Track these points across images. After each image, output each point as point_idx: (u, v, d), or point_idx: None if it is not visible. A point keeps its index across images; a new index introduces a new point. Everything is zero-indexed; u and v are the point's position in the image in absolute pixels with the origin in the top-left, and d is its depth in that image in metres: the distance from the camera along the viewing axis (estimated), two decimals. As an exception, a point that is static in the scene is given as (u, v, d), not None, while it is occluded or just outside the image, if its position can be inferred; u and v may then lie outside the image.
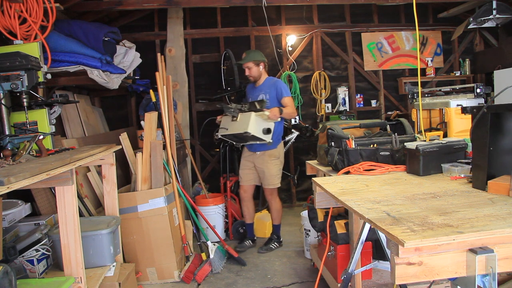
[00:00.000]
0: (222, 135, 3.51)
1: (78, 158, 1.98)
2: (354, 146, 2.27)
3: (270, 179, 3.61)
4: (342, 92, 5.26)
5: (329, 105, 5.27)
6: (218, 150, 4.58)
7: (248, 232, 3.87)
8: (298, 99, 5.13)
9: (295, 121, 4.66)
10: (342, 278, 2.01)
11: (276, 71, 5.17)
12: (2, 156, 1.97)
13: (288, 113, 3.49)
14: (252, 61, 3.60)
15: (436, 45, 5.44)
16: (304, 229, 3.43)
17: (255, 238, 3.90)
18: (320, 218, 2.74)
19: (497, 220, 1.19)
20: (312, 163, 2.87)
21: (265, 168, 3.58)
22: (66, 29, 3.37)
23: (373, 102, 5.39)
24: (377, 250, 2.58)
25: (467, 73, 5.30)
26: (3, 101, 2.28)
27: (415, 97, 3.79)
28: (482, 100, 3.38)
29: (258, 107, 3.35)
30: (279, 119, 3.44)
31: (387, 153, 2.24)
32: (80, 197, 3.00)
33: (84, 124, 3.93)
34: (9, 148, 2.19)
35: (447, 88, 4.15)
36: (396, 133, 2.34)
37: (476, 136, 1.63)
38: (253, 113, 3.30)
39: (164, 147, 3.36)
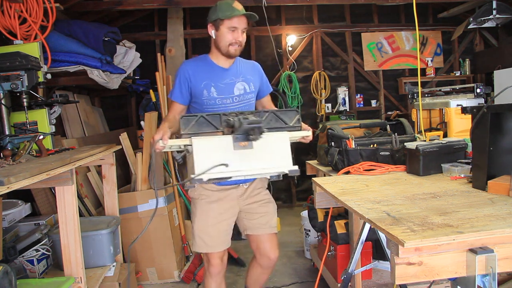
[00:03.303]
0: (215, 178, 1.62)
1: (78, 158, 1.98)
2: (354, 146, 2.27)
3: (274, 217, 2.16)
4: (342, 92, 5.26)
5: (329, 105, 5.27)
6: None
7: None
8: (298, 99, 5.13)
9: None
10: (342, 278, 2.01)
11: (276, 71, 5.17)
12: (2, 156, 1.97)
13: None
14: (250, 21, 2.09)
15: (436, 45, 5.44)
16: (304, 229, 3.43)
17: None
18: (320, 218, 2.74)
19: (497, 220, 1.19)
20: (312, 163, 2.87)
21: (264, 205, 2.11)
22: (66, 29, 3.37)
23: (373, 102, 5.39)
24: (377, 250, 2.58)
25: (467, 73, 5.30)
26: (3, 101, 2.28)
27: (415, 97, 3.79)
28: (482, 100, 3.37)
29: (289, 122, 1.74)
30: None
31: (387, 153, 2.24)
32: (80, 197, 3.00)
33: (84, 124, 3.93)
34: (9, 148, 2.19)
35: (447, 88, 4.14)
36: (396, 133, 2.34)
37: (476, 136, 1.63)
38: (286, 134, 1.72)
39: (164, 147, 3.36)
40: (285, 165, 1.68)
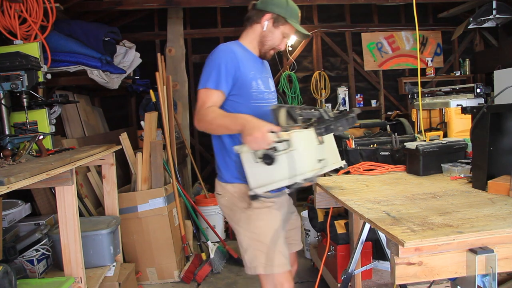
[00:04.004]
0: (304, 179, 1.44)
1: (78, 158, 1.98)
2: (354, 146, 2.27)
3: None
4: (342, 92, 5.26)
5: (329, 105, 5.27)
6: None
7: None
8: (298, 99, 5.13)
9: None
10: (342, 278, 2.01)
11: (276, 71, 5.17)
12: (2, 156, 1.97)
13: None
14: None
15: (436, 45, 5.44)
16: (304, 229, 3.43)
17: None
18: (320, 218, 2.74)
19: (497, 220, 1.19)
20: (312, 163, 2.86)
21: (297, 216, 2.00)
22: (66, 29, 3.37)
23: (373, 102, 5.39)
24: (377, 250, 2.58)
25: (467, 73, 5.30)
26: (3, 101, 2.28)
27: (415, 97, 3.79)
28: (482, 100, 3.37)
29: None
30: None
31: (387, 153, 2.24)
32: (80, 197, 3.00)
33: (84, 124, 3.93)
34: (9, 148, 2.19)
35: (447, 88, 4.14)
36: (396, 133, 2.34)
37: (476, 136, 1.63)
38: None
39: (164, 147, 3.36)
40: (339, 159, 1.72)
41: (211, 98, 1.59)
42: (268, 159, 1.39)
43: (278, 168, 1.41)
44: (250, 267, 1.66)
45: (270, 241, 1.63)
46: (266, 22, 1.70)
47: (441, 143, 2.08)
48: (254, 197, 1.51)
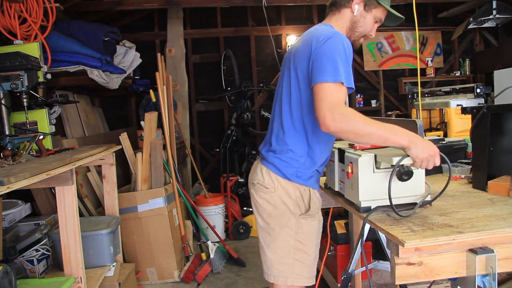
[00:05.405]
0: None
1: (78, 158, 1.98)
2: (354, 146, 2.26)
3: None
4: (342, 92, 5.26)
5: (329, 105, 5.27)
6: (218, 150, 4.60)
7: None
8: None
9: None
10: (342, 278, 2.01)
11: (276, 71, 5.17)
12: (2, 156, 1.97)
13: None
14: None
15: (436, 45, 5.44)
16: (304, 229, 3.43)
17: None
18: (320, 218, 2.74)
19: (497, 220, 1.19)
20: (312, 163, 2.86)
21: None
22: (66, 29, 3.37)
23: (373, 102, 5.39)
24: (377, 250, 2.58)
25: (467, 73, 5.30)
26: (3, 101, 2.28)
27: (415, 97, 3.79)
28: (482, 100, 3.38)
29: None
30: None
31: (387, 153, 2.24)
32: (80, 197, 3.00)
33: (84, 124, 3.93)
34: (9, 148, 2.19)
35: (447, 88, 4.14)
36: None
37: (476, 136, 1.63)
38: None
39: (164, 147, 3.36)
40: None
41: (344, 96, 1.32)
42: (409, 175, 1.27)
43: (398, 186, 1.30)
44: (279, 276, 1.53)
45: (314, 255, 1.58)
46: (356, 6, 1.50)
47: (441, 143, 2.08)
48: (366, 210, 1.35)
